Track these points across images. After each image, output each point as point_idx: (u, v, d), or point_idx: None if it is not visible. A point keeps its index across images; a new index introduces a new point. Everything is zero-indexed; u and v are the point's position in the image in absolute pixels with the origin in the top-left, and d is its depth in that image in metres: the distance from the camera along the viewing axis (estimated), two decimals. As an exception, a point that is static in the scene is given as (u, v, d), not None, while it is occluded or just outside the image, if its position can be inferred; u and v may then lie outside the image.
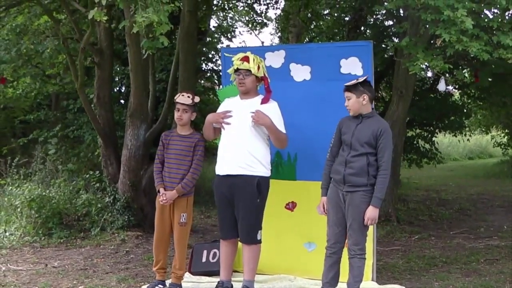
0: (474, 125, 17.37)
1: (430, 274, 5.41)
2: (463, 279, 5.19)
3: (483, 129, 18.17)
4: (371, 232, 4.47)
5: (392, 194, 7.93)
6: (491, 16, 5.31)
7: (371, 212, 4.08)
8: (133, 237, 6.87)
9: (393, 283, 5.04)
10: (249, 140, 4.42)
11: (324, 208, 4.33)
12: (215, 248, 5.23)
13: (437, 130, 11.54)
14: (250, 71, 4.46)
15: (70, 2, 7.06)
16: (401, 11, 7.90)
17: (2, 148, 10.42)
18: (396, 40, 8.88)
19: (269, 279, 5.02)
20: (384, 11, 8.33)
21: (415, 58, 5.21)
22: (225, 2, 12.34)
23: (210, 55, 10.95)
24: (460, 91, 11.63)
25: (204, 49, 10.48)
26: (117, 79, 10.01)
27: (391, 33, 9.45)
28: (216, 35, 12.26)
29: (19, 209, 6.92)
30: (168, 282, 4.76)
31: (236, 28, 14.70)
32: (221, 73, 5.58)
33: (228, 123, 4.50)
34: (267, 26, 13.83)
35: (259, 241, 4.50)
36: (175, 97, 4.76)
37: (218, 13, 13.43)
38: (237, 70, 4.52)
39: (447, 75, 6.16)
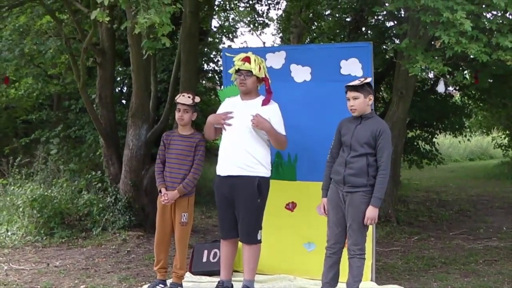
0: (475, 126, 17.32)
1: (429, 274, 5.43)
2: (461, 280, 5.21)
3: (484, 130, 18.12)
4: (370, 232, 4.48)
5: (392, 195, 7.93)
6: (490, 18, 5.32)
7: (371, 212, 4.10)
8: (134, 237, 6.88)
9: (392, 283, 5.06)
10: (250, 141, 4.45)
11: (324, 209, 4.35)
12: (216, 248, 5.25)
13: (437, 131, 11.52)
14: (251, 71, 4.47)
15: (73, 3, 7.08)
16: (402, 12, 7.90)
17: (4, 148, 10.43)
18: (397, 41, 8.88)
19: (269, 279, 5.04)
20: (384, 12, 8.32)
21: (414, 60, 5.21)
22: (227, 3, 12.35)
23: (212, 56, 10.94)
24: (460, 92, 11.62)
25: (205, 49, 10.48)
26: (119, 79, 10.02)
27: (392, 34, 9.44)
28: (217, 36, 12.27)
29: (21, 209, 6.95)
30: (169, 281, 4.78)
31: (238, 28, 14.73)
32: (222, 74, 5.61)
33: (229, 124, 4.52)
34: (268, 27, 13.80)
35: (259, 241, 4.53)
36: (176, 98, 4.78)
37: (220, 14, 13.44)
38: (238, 71, 4.53)
39: (447, 76, 6.16)
